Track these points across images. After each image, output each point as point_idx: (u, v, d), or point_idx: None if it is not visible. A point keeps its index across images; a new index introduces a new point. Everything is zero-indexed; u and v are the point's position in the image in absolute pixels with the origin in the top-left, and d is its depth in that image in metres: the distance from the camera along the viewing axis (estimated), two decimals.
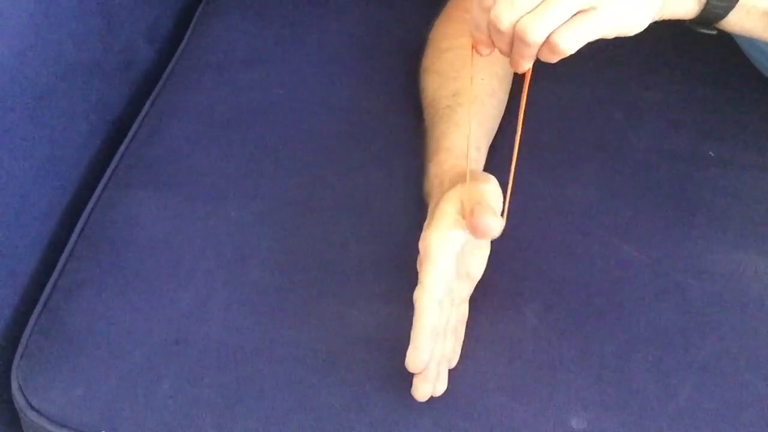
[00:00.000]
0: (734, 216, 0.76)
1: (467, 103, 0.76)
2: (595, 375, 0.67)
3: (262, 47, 0.94)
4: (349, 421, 0.65)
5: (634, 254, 0.73)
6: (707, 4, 0.59)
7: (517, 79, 0.73)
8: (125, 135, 0.87)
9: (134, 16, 0.93)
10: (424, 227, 0.66)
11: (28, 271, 0.77)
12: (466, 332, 0.68)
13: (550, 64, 0.54)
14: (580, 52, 0.53)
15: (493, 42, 0.55)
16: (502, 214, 0.66)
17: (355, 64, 0.91)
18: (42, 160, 0.78)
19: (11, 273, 0.75)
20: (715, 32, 0.62)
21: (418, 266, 0.65)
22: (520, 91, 0.58)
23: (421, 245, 0.65)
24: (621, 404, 0.65)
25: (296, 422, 0.65)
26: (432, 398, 0.64)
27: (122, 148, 0.85)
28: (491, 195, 0.65)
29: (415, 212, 0.72)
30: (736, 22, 0.60)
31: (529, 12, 0.52)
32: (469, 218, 0.63)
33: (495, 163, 0.76)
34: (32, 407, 0.68)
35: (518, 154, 0.64)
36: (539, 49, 0.53)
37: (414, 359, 0.62)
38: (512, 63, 0.55)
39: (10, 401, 0.70)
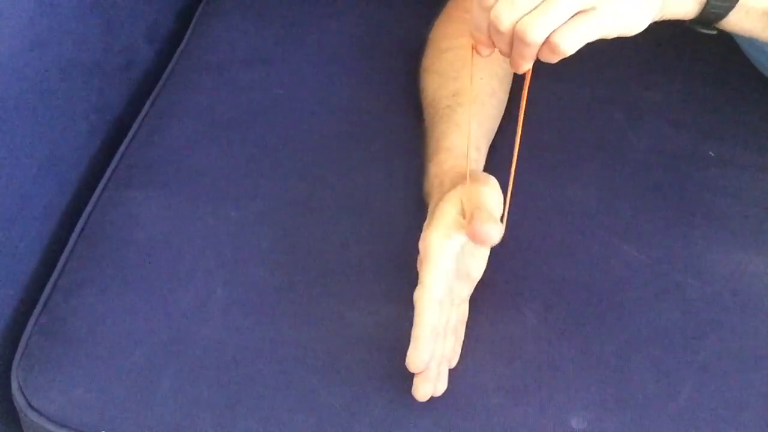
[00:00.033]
0: (734, 216, 0.76)
1: (467, 103, 0.76)
2: (595, 375, 0.67)
3: (262, 47, 0.94)
4: (349, 421, 0.65)
5: (634, 254, 0.73)
6: (707, 4, 0.58)
7: (517, 79, 0.73)
8: (125, 135, 0.87)
9: (134, 16, 0.93)
10: (424, 227, 0.66)
11: (28, 271, 0.77)
12: (466, 332, 0.68)
13: (550, 63, 0.54)
14: (580, 52, 0.53)
15: (493, 42, 0.55)
16: (502, 216, 0.66)
17: (355, 64, 0.91)
18: (42, 160, 0.78)
19: (11, 273, 0.75)
20: (715, 32, 0.62)
21: (418, 266, 0.65)
22: (520, 91, 0.58)
23: (421, 245, 0.65)
24: (621, 404, 0.65)
25: (296, 422, 0.65)
26: (432, 398, 0.64)
27: (122, 148, 0.85)
28: (491, 198, 0.65)
29: (415, 212, 0.72)
30: (736, 22, 0.60)
31: (529, 12, 0.52)
32: (469, 225, 0.63)
33: (495, 163, 0.76)
34: (32, 407, 0.68)
35: (518, 154, 0.64)
36: (539, 50, 0.53)
37: (414, 359, 0.62)
38: (512, 63, 0.55)
39: (10, 401, 0.70)
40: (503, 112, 0.81)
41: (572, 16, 0.52)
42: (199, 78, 0.91)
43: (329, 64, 0.92)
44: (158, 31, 0.98)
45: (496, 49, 0.56)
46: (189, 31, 0.98)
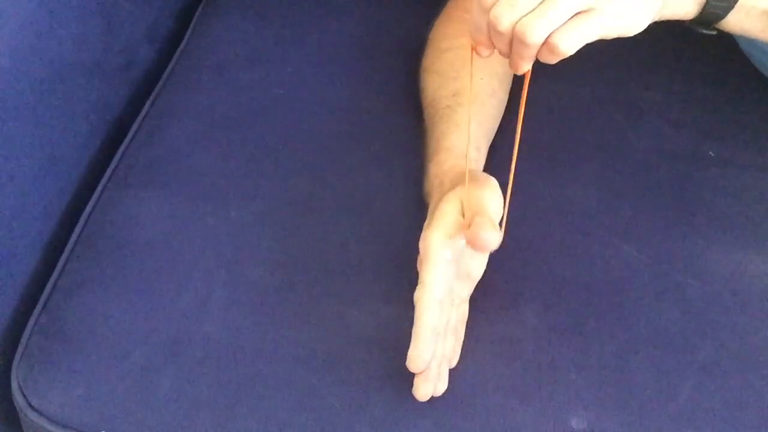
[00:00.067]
0: (734, 216, 0.76)
1: (467, 103, 0.76)
2: (595, 375, 0.67)
3: (262, 47, 0.94)
4: (349, 421, 0.65)
5: (634, 254, 0.73)
6: (707, 4, 0.59)
7: (517, 79, 0.73)
8: (125, 135, 0.87)
9: (134, 16, 0.93)
10: (424, 227, 0.66)
11: (28, 271, 0.77)
12: (466, 332, 0.68)
13: (550, 64, 0.54)
14: (580, 52, 0.53)
15: (492, 43, 0.55)
16: (501, 217, 0.66)
17: (355, 64, 0.91)
18: (42, 160, 0.78)
19: (11, 273, 0.75)
20: (715, 32, 0.62)
21: (418, 266, 0.65)
22: (520, 91, 0.59)
23: (421, 245, 0.65)
24: (621, 404, 0.65)
25: (296, 422, 0.65)
26: (432, 398, 0.64)
27: (122, 148, 0.85)
28: (491, 202, 0.65)
29: (415, 212, 0.72)
30: (735, 22, 0.60)
31: (529, 13, 0.52)
32: (468, 231, 0.63)
33: (495, 163, 0.76)
34: (32, 407, 0.68)
35: (518, 154, 0.64)
36: (539, 50, 0.53)
37: (415, 359, 0.62)
38: (511, 64, 0.55)
39: (10, 401, 0.70)
40: (503, 112, 0.81)
41: (572, 17, 0.52)
42: (199, 78, 0.91)
43: (329, 64, 0.92)
44: (158, 31, 0.98)
45: (496, 50, 0.56)
46: (189, 31, 0.98)
